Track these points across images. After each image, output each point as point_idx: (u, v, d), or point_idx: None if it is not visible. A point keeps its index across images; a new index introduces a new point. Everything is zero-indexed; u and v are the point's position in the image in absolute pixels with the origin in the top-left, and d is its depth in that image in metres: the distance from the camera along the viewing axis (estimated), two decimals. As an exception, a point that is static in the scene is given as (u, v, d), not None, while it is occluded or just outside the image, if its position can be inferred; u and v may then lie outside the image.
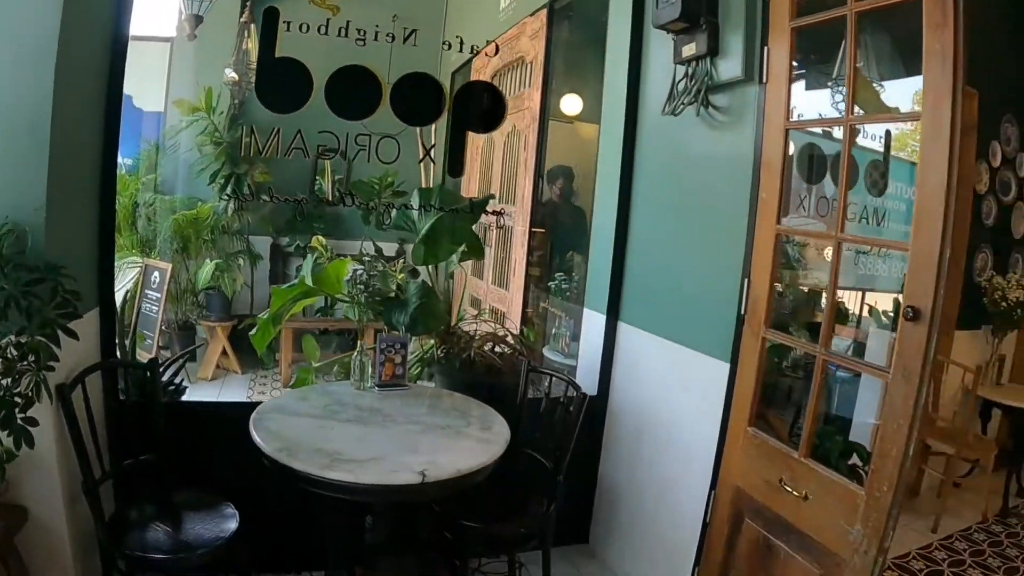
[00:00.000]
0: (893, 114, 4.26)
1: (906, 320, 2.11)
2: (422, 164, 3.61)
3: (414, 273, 5.41)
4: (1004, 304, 4.83)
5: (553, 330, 4.98)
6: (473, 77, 5.81)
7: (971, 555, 4.29)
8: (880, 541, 2.20)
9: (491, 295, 5.85)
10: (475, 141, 5.93)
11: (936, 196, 2.07)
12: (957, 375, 4.61)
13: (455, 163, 3.41)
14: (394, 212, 3.70)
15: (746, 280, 2.73)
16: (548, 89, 4.96)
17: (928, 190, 2.10)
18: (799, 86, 2.99)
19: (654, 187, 3.44)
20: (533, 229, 5.06)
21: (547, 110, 5.06)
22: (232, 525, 2.52)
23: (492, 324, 3.85)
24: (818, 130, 4.86)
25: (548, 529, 2.98)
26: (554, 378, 3.26)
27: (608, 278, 3.59)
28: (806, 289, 4.33)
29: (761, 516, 2.67)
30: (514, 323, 5.07)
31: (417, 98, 3.22)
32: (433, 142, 3.40)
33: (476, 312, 5.62)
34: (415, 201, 3.57)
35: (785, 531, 2.56)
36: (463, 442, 2.65)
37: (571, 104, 5.43)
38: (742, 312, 2.75)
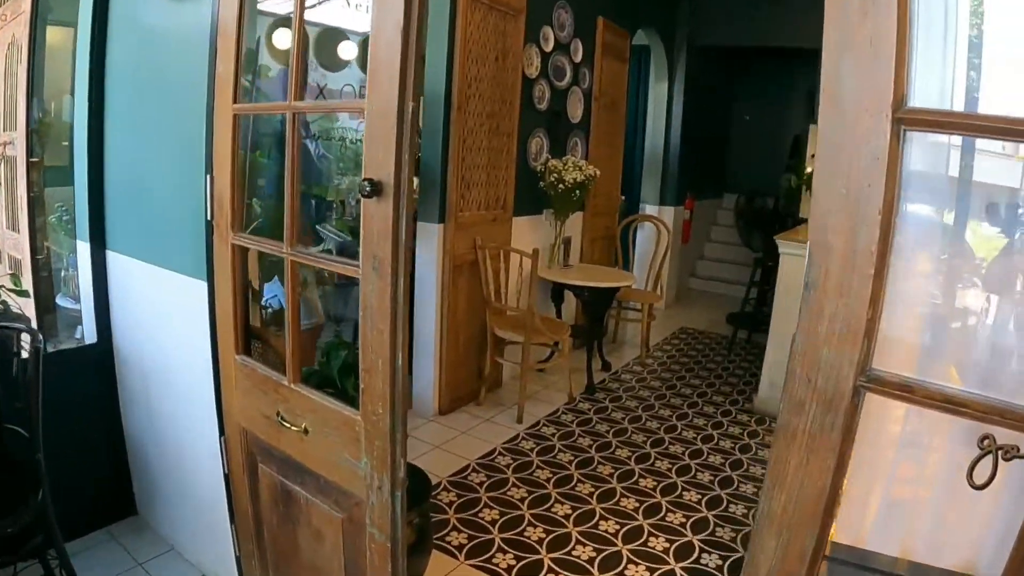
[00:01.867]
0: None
1: (366, 197, 1.71)
2: None
3: None
4: (562, 186, 4.86)
5: (63, 273, 4.10)
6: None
7: (560, 439, 4.31)
8: (392, 472, 1.84)
9: (7, 242, 4.71)
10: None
11: (392, 46, 1.66)
12: (525, 264, 4.58)
13: None
14: None
15: (209, 177, 2.20)
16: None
17: (383, 42, 1.69)
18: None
19: (124, 82, 2.78)
20: (31, 159, 4.01)
21: (39, 10, 4.00)
22: None
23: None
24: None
25: (47, 518, 2.34)
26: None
27: (87, 200, 2.88)
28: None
29: (272, 458, 2.23)
30: (29, 270, 4.05)
31: None
32: None
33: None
34: None
35: (299, 473, 2.14)
36: None
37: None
38: (209, 217, 2.23)
